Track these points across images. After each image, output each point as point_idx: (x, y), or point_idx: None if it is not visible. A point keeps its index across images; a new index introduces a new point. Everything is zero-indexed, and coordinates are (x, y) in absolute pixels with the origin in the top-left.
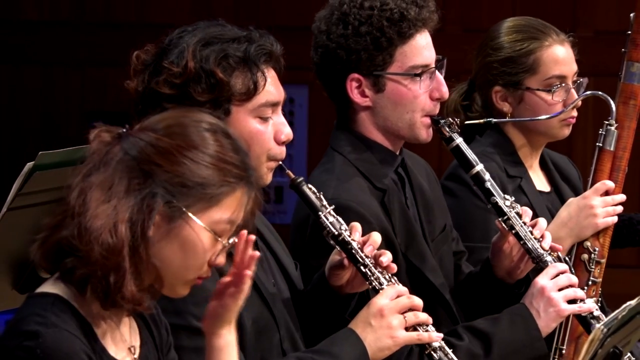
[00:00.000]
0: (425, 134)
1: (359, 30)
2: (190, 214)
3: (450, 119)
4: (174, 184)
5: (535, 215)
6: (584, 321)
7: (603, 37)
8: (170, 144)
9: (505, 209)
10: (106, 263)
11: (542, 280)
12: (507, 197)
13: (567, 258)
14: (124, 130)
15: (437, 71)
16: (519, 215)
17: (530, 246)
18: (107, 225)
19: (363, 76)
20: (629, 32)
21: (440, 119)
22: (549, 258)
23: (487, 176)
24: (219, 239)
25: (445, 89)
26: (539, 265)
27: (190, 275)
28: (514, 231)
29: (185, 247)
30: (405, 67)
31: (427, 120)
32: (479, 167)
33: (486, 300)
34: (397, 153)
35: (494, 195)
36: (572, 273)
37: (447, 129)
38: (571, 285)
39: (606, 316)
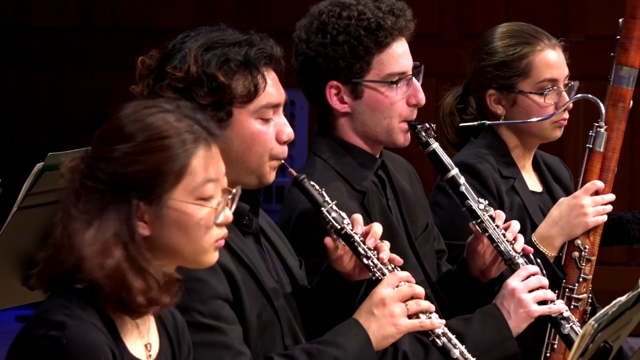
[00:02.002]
0: (402, 138)
1: (337, 39)
2: (168, 197)
3: (427, 124)
4: (140, 180)
5: (528, 215)
6: (554, 322)
7: (593, 41)
8: (120, 151)
9: (479, 212)
10: (112, 283)
11: (513, 282)
12: (481, 200)
13: (538, 260)
14: (85, 154)
15: (414, 78)
16: (492, 219)
17: (502, 248)
18: (98, 250)
19: (341, 83)
20: (618, 37)
21: (417, 124)
22: (520, 260)
23: (461, 180)
24: (206, 203)
25: (421, 95)
26: (511, 267)
27: (205, 244)
28: (487, 234)
29: (183, 226)
30: (382, 74)
31: (405, 126)
32: (454, 171)
33: (460, 298)
34: (377, 156)
35: (468, 199)
36: (542, 275)
37: (424, 134)
38: (541, 287)
39: (596, 312)
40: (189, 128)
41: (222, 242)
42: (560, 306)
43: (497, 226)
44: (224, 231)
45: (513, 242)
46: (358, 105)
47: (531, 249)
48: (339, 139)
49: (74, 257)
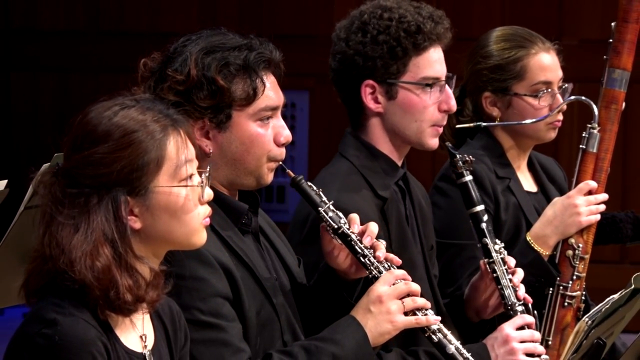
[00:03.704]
0: (431, 142)
1: (377, 39)
2: (153, 186)
3: (467, 156)
4: (124, 176)
5: (523, 214)
6: None
7: (587, 45)
8: (96, 153)
9: (493, 254)
10: (101, 283)
11: (508, 328)
12: (497, 242)
13: (535, 312)
14: (57, 166)
15: (446, 85)
16: (504, 262)
17: (506, 293)
18: (87, 250)
19: (377, 83)
20: (611, 40)
21: (457, 154)
22: (519, 308)
23: (485, 217)
24: (188, 182)
25: (453, 103)
26: (509, 313)
27: (195, 224)
28: (495, 275)
29: (171, 210)
30: (418, 77)
31: (435, 130)
32: (480, 207)
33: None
34: (400, 165)
35: (486, 237)
36: (537, 327)
37: (461, 165)
38: (533, 341)
39: (590, 310)
40: (154, 118)
41: (208, 221)
42: None
43: (507, 270)
44: (208, 209)
45: (517, 288)
46: (391, 106)
47: (530, 299)
48: (367, 143)
49: (64, 262)
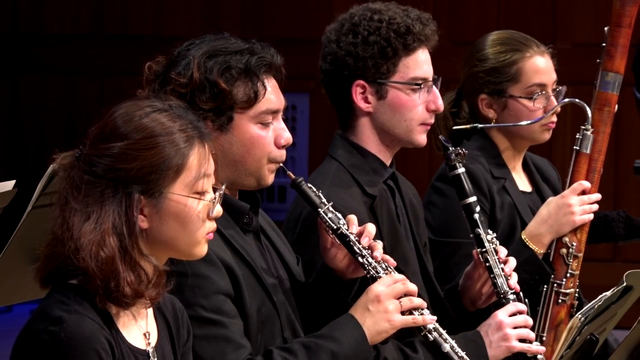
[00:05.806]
0: (420, 139)
1: (368, 40)
2: (167, 191)
3: (460, 149)
4: (142, 175)
5: (518, 213)
6: None
7: (580, 48)
8: (120, 148)
9: (486, 243)
10: (103, 273)
11: (502, 315)
12: (490, 232)
13: (526, 300)
14: (80, 150)
15: (434, 86)
16: (496, 252)
17: (498, 281)
18: (95, 240)
19: (368, 83)
20: (604, 44)
21: (450, 147)
22: (511, 296)
23: (477, 208)
24: (202, 197)
25: (440, 102)
26: (501, 301)
27: (198, 237)
28: (487, 264)
29: (180, 219)
30: (407, 78)
31: (424, 127)
32: (472, 198)
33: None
34: (389, 165)
35: (479, 228)
36: (529, 315)
37: (454, 157)
38: (526, 326)
39: (583, 306)
40: (182, 127)
41: (211, 235)
42: (538, 348)
43: (499, 259)
44: (214, 225)
45: (509, 277)
46: (381, 105)
47: (518, 287)
48: (355, 144)
49: (71, 248)
